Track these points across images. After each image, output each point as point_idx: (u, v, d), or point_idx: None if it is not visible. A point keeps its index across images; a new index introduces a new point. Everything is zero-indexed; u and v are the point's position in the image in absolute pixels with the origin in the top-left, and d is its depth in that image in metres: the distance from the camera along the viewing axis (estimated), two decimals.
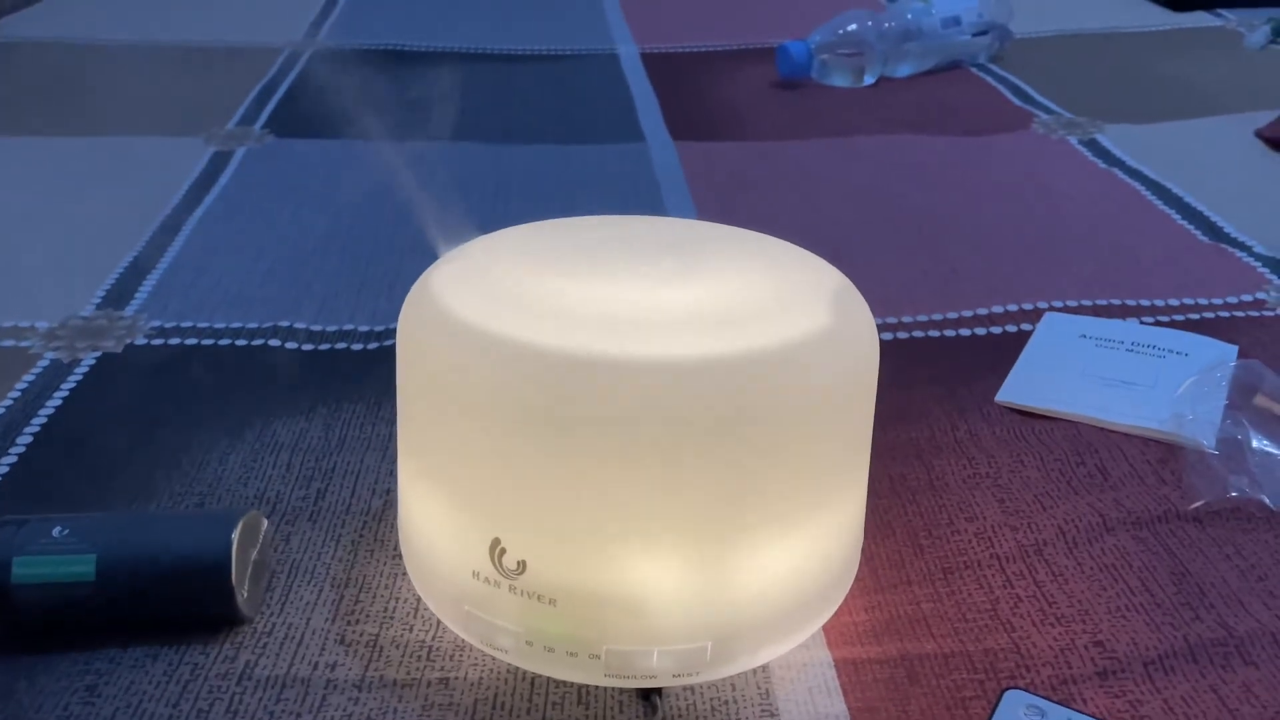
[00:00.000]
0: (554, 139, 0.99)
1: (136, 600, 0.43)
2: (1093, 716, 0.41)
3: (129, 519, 0.45)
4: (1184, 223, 0.83)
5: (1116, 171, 0.91)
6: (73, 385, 0.61)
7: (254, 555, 0.46)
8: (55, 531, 0.43)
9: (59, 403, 0.60)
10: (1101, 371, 0.63)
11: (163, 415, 0.59)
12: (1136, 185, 0.89)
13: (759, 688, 0.43)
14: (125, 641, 0.44)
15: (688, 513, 0.38)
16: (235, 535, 0.44)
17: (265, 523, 0.47)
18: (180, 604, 0.44)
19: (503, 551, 0.40)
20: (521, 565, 0.39)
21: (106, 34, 1.27)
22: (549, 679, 0.43)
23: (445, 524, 0.41)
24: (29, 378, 0.62)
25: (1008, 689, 0.42)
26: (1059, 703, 0.41)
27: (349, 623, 0.46)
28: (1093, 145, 0.97)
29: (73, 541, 0.43)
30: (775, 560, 0.40)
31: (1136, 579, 0.48)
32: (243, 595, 0.44)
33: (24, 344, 0.65)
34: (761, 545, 0.40)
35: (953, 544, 0.51)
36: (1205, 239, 0.80)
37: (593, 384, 0.38)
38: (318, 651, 0.44)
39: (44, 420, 0.58)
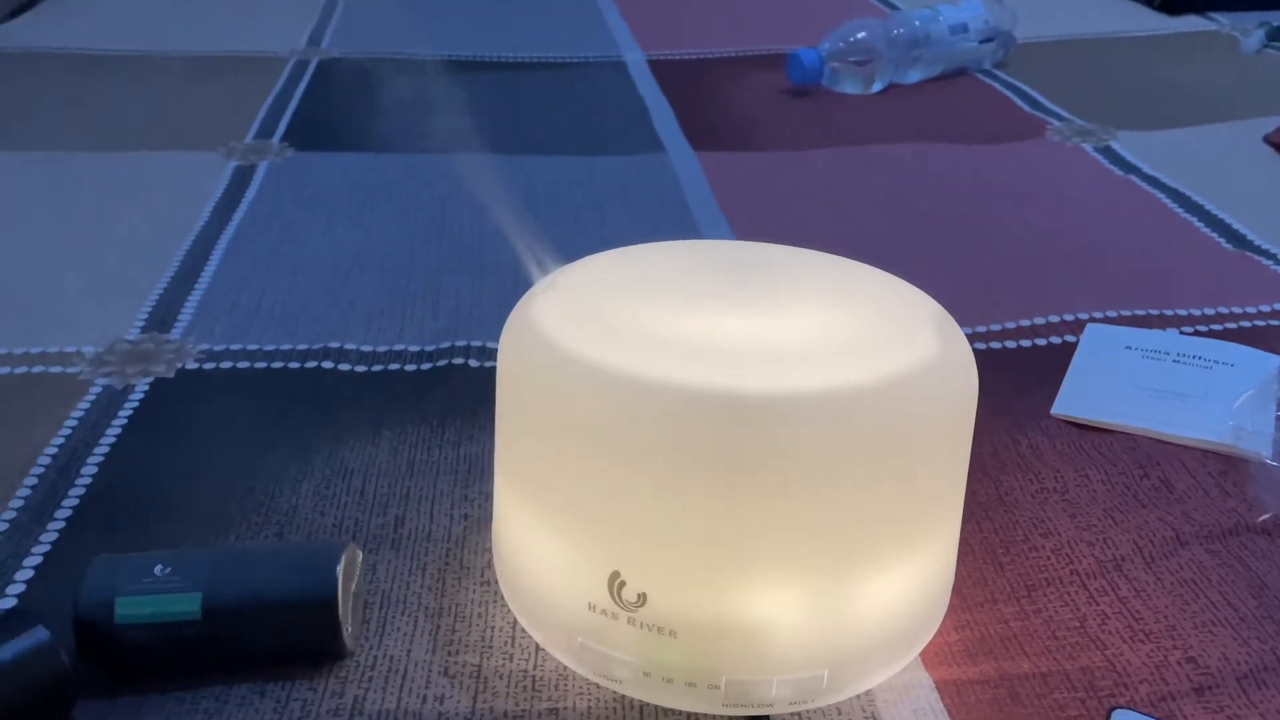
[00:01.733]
0: (574, 150, 0.99)
1: (243, 638, 0.43)
2: None
3: (230, 555, 0.45)
4: (1207, 230, 0.84)
5: (1134, 179, 0.93)
6: (130, 412, 0.61)
7: (354, 588, 0.45)
8: (157, 569, 0.43)
9: (119, 430, 0.59)
10: (1152, 383, 0.64)
11: (226, 441, 0.58)
12: (1156, 193, 0.90)
13: (864, 711, 0.44)
14: (230, 679, 0.44)
15: (805, 543, 0.39)
16: (340, 569, 0.44)
17: (360, 555, 0.47)
18: (286, 640, 0.44)
19: (622, 584, 0.40)
20: (642, 598, 0.40)
21: (97, 43, 1.25)
22: (658, 707, 0.43)
23: (559, 557, 0.41)
24: (84, 405, 0.61)
25: (1115, 708, 0.42)
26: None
27: (449, 653, 0.46)
28: (1108, 153, 0.98)
29: (176, 580, 0.43)
30: (886, 586, 0.41)
31: (1217, 593, 0.49)
32: (348, 629, 0.44)
33: (72, 370, 0.64)
34: (874, 573, 0.40)
35: (1032, 561, 0.52)
36: (1230, 247, 0.82)
37: (711, 418, 0.38)
38: (424, 684, 0.44)
39: (106, 450, 0.57)
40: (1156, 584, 0.50)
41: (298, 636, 0.43)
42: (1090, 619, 0.48)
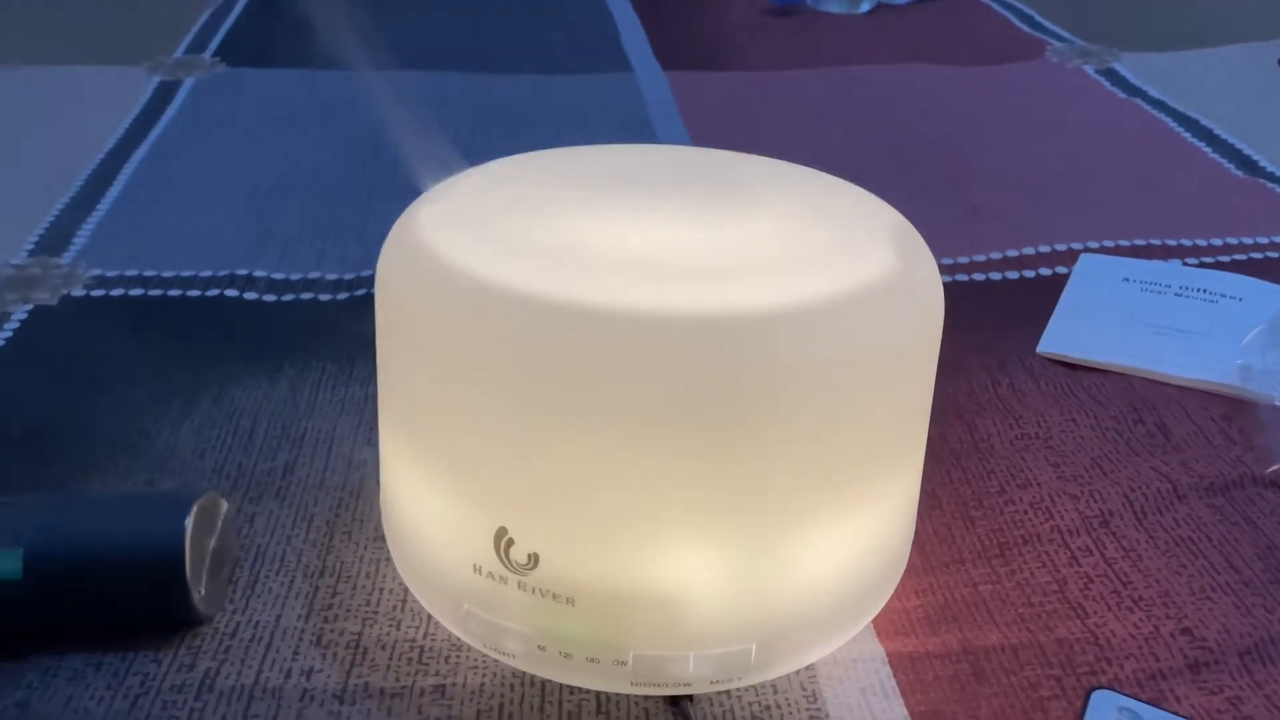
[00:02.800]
0: (533, 68, 0.91)
1: (73, 601, 0.37)
2: (1190, 718, 0.35)
3: (62, 504, 0.39)
4: (1216, 157, 0.77)
5: (1139, 102, 0.85)
6: (0, 343, 0.54)
7: (212, 544, 0.39)
8: None
9: None
10: (1150, 318, 0.57)
11: (104, 379, 0.52)
12: (1162, 117, 0.83)
13: (804, 689, 0.37)
14: (62, 649, 0.37)
15: (730, 495, 0.32)
16: (189, 522, 0.37)
17: (225, 504, 0.40)
18: (126, 604, 0.37)
19: (510, 543, 0.33)
20: (533, 559, 0.33)
21: None
22: (562, 684, 0.37)
23: (440, 510, 0.35)
24: None
25: (1094, 688, 0.36)
26: (1150, 702, 0.36)
27: (326, 620, 0.39)
28: (1111, 75, 0.91)
29: None
30: (830, 547, 0.34)
31: (1218, 554, 0.43)
32: (200, 592, 0.38)
33: None
34: (815, 530, 0.34)
35: (1007, 516, 0.45)
36: (1240, 174, 0.75)
37: (617, 342, 0.31)
38: (290, 655, 0.38)
39: None
40: (1149, 543, 0.43)
41: (140, 600, 0.37)
42: (1071, 583, 0.42)
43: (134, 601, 0.37)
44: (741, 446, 0.32)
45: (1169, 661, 0.38)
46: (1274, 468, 0.47)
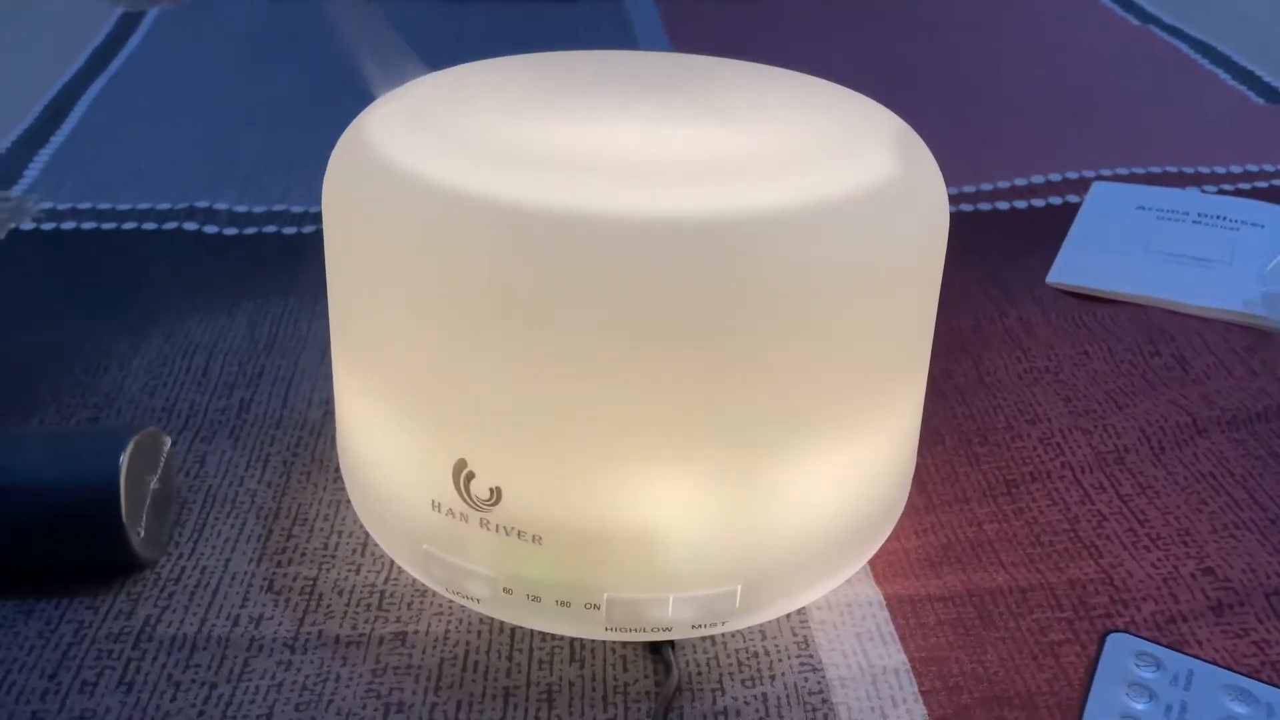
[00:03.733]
0: None
1: (3, 543, 0.34)
2: (1215, 664, 0.32)
3: None
4: (1236, 84, 0.73)
5: (1153, 28, 0.81)
6: None
7: (153, 483, 0.36)
8: None
9: None
10: (1167, 247, 0.54)
11: (52, 313, 0.49)
12: (1178, 43, 0.79)
13: (795, 634, 0.34)
14: None
15: (713, 419, 0.29)
16: (125, 459, 0.34)
17: (168, 441, 0.37)
18: (60, 547, 0.34)
19: (470, 476, 0.30)
20: (495, 494, 0.30)
21: None
22: (531, 631, 0.34)
23: (395, 442, 0.32)
24: None
25: (1109, 631, 0.33)
26: (1170, 646, 0.33)
27: (278, 564, 0.37)
28: (1123, 2, 0.86)
29: None
30: (822, 479, 0.31)
31: (1241, 490, 0.40)
32: (139, 534, 0.35)
33: None
34: (806, 460, 0.31)
35: (1014, 451, 0.42)
36: (1261, 101, 0.71)
37: (588, 250, 0.28)
38: (238, 602, 0.35)
39: None
40: (1167, 479, 0.40)
41: (74, 542, 0.34)
42: (1083, 521, 0.39)
43: (67, 543, 0.34)
44: (726, 365, 0.29)
45: (1189, 603, 0.35)
46: None
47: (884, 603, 0.36)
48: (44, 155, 0.61)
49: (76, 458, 0.34)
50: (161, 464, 0.37)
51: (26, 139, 0.63)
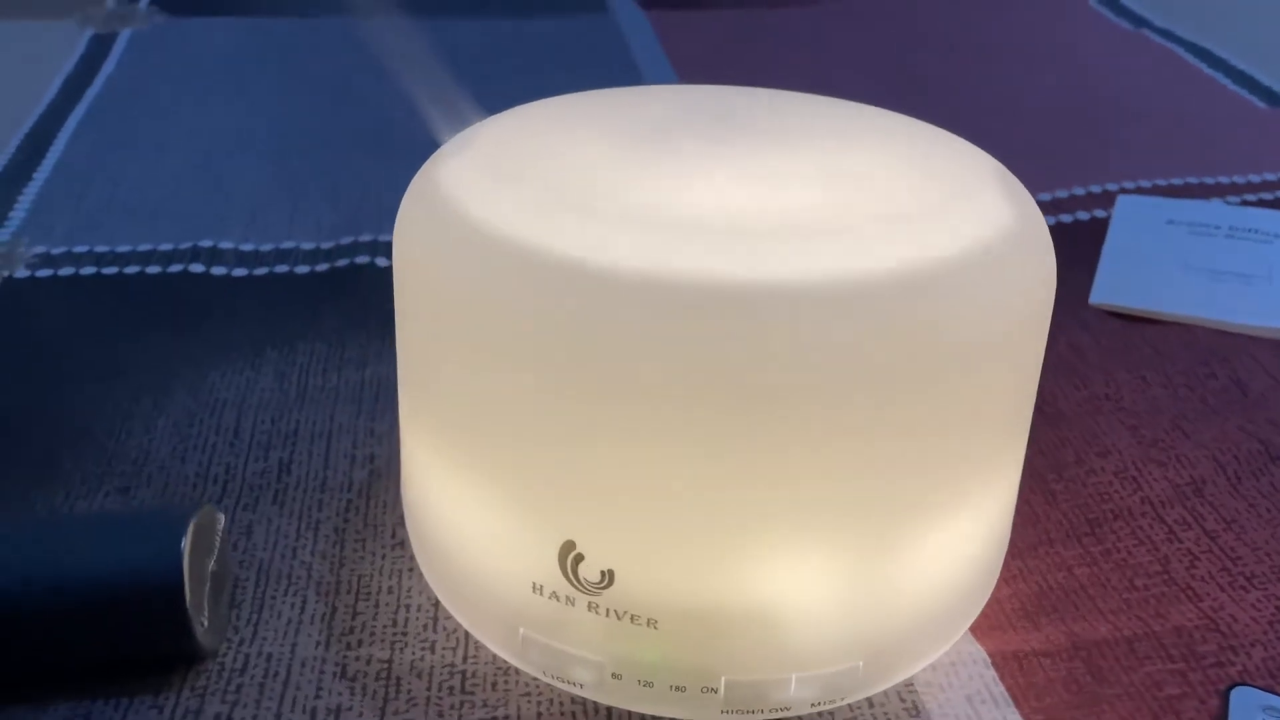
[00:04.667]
0: (502, 12, 0.84)
1: (57, 643, 0.31)
2: None
3: (37, 529, 0.33)
4: (1237, 89, 0.73)
5: (1147, 33, 0.81)
6: None
7: (211, 565, 0.33)
8: None
9: None
10: (1205, 263, 0.53)
11: (63, 369, 0.46)
12: (1174, 47, 0.79)
13: (903, 700, 0.33)
14: (44, 697, 0.32)
15: (833, 497, 0.27)
16: (186, 544, 0.32)
17: (222, 518, 0.35)
18: (119, 643, 0.32)
19: (578, 558, 0.28)
20: (607, 576, 0.28)
21: None
22: (631, 711, 0.32)
23: (488, 522, 0.30)
24: None
25: (1233, 685, 0.32)
26: None
27: (348, 646, 0.34)
28: (1113, 5, 0.86)
29: None
30: (938, 549, 0.30)
31: None
32: (202, 624, 0.32)
33: None
34: (924, 533, 0.29)
35: (1091, 487, 0.41)
36: (1264, 106, 0.71)
37: (703, 318, 0.26)
38: (312, 692, 0.33)
39: None
40: (1249, 511, 0.40)
41: (135, 637, 0.32)
42: (1174, 561, 0.38)
43: (128, 639, 0.31)
44: (851, 435, 0.27)
45: None
46: None
47: (989, 660, 0.34)
48: (29, 193, 0.58)
49: (133, 546, 0.32)
50: (217, 544, 0.34)
51: (7, 176, 0.59)
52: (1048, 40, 0.81)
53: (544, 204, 0.29)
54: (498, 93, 0.72)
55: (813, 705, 0.30)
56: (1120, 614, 0.36)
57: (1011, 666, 0.34)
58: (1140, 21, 0.83)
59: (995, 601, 0.36)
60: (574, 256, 0.27)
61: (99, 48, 0.75)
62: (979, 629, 0.35)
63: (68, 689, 0.32)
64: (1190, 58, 0.77)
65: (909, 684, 0.33)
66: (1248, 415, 0.44)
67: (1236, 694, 0.32)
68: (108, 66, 0.73)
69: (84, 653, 0.32)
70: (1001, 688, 0.33)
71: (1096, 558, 0.38)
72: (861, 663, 0.30)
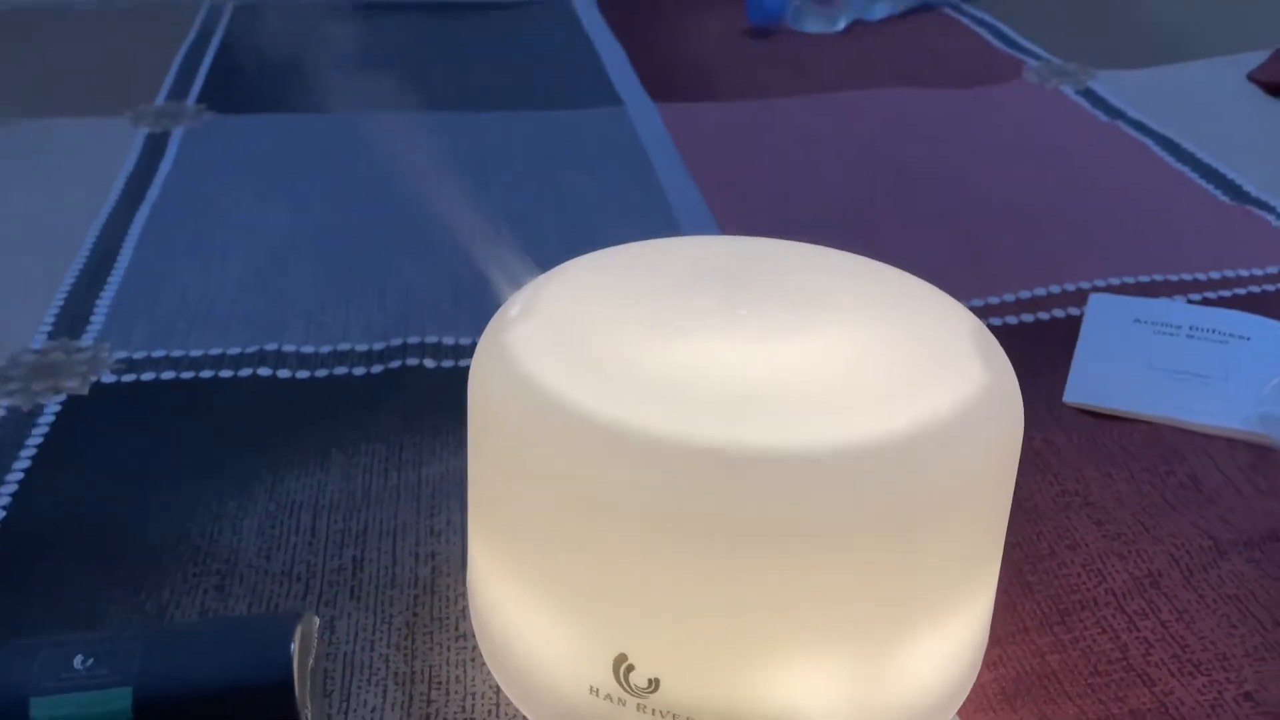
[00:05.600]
0: (524, 105, 0.91)
1: None
2: None
3: (163, 638, 0.39)
4: (1202, 182, 0.80)
5: (1120, 124, 0.88)
6: (39, 440, 0.53)
7: (311, 663, 0.39)
8: (77, 660, 0.36)
9: (27, 464, 0.52)
10: (1167, 363, 0.59)
11: (154, 472, 0.51)
12: (1144, 139, 0.85)
13: None
14: None
15: (846, 617, 0.34)
16: (294, 649, 0.37)
17: (317, 621, 0.41)
18: None
19: (630, 668, 0.34)
20: (654, 683, 0.34)
21: None
22: None
23: (551, 633, 0.36)
24: None
25: None
26: None
27: None
28: (1089, 95, 0.93)
29: (101, 673, 0.36)
30: (935, 650, 0.36)
31: (1265, 612, 0.45)
32: (308, 715, 0.38)
33: None
34: (923, 640, 0.35)
35: (1061, 580, 0.47)
36: (1227, 200, 0.77)
37: (731, 478, 0.32)
38: None
39: (14, 488, 0.50)
40: (1199, 603, 0.46)
41: None
42: (1132, 648, 0.44)
43: None
44: (854, 568, 0.33)
45: None
46: None
47: None
48: (105, 300, 0.64)
49: (249, 650, 0.37)
50: (315, 645, 0.40)
51: (84, 283, 0.65)
52: (1029, 133, 0.87)
53: (589, 370, 0.35)
54: (522, 186, 0.78)
55: None
56: (1085, 698, 0.42)
57: None
58: (1115, 113, 0.90)
59: (979, 686, 0.42)
60: (629, 427, 0.33)
61: (154, 147, 0.81)
62: (966, 713, 0.41)
63: None
64: (1159, 150, 0.84)
65: None
66: (1200, 511, 0.50)
67: None
68: (164, 165, 0.79)
69: None
70: None
71: (1066, 645, 0.44)
72: None
